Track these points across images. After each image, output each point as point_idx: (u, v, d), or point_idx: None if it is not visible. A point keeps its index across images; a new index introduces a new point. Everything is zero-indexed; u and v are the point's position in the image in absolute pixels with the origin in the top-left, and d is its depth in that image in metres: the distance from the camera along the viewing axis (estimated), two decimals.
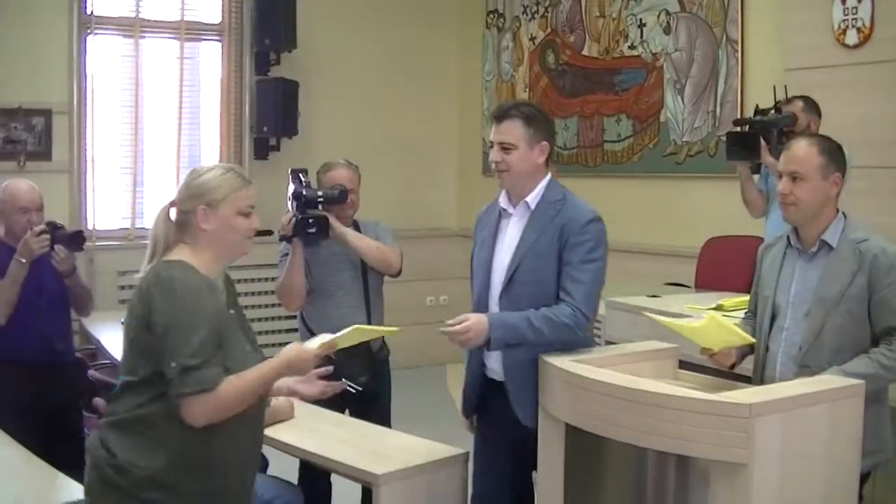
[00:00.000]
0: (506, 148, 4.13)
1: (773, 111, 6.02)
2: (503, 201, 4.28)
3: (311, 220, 5.05)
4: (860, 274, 3.79)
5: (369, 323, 5.25)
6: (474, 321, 3.96)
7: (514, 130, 4.12)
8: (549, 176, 4.25)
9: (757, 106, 6.16)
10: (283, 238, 5.13)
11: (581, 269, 4.03)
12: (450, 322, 3.96)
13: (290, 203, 5.14)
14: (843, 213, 3.95)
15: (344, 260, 5.28)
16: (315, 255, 5.21)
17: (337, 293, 5.26)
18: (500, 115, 4.18)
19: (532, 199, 4.18)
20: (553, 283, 4.06)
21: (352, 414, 5.15)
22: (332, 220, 5.12)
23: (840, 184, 3.91)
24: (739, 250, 6.96)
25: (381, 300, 5.42)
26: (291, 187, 5.19)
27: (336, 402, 5.09)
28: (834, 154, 3.92)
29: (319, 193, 5.14)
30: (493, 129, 4.19)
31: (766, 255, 4.14)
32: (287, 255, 5.22)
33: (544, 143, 4.19)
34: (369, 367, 5.21)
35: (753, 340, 4.07)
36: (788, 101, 6.10)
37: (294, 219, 5.04)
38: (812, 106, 6.08)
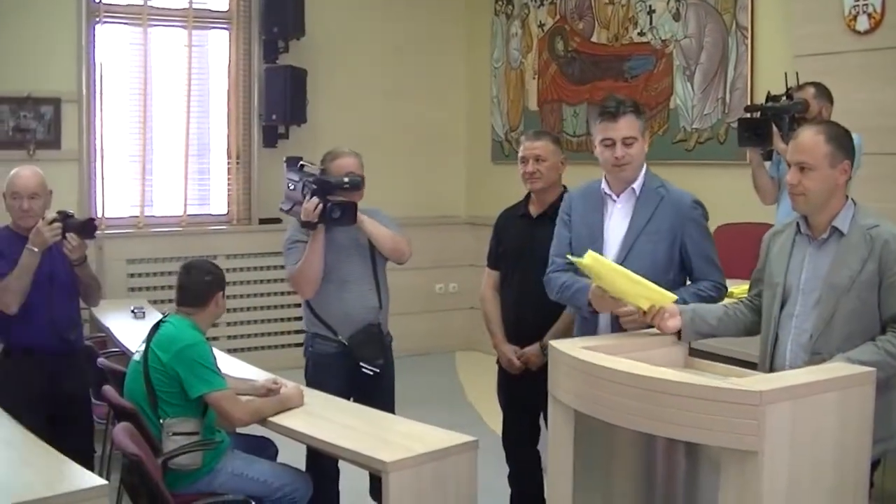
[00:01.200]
0: (628, 142, 4.35)
1: (784, 97, 5.99)
2: (605, 187, 4.52)
3: (338, 206, 5.09)
4: (870, 260, 3.76)
5: (380, 307, 5.33)
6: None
7: (632, 124, 4.40)
8: (646, 164, 4.53)
9: (769, 92, 6.14)
10: (305, 224, 5.13)
11: (706, 247, 4.46)
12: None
13: (301, 190, 5.15)
14: (852, 199, 3.92)
15: (355, 246, 5.31)
16: (329, 242, 5.22)
17: (349, 279, 5.30)
18: (614, 113, 4.37)
19: (637, 185, 4.47)
20: (665, 265, 4.37)
21: (357, 398, 5.19)
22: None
23: (849, 171, 3.87)
24: (750, 238, 6.89)
25: (387, 285, 5.46)
26: (295, 176, 5.23)
27: (344, 387, 5.14)
28: (842, 141, 3.86)
29: (345, 180, 5.16)
30: (607, 127, 4.39)
31: (774, 242, 4.11)
32: (297, 241, 5.26)
33: (647, 132, 4.55)
34: (382, 351, 5.27)
35: (665, 292, 4.09)
36: (800, 87, 6.08)
37: (322, 205, 5.05)
38: (824, 92, 6.04)
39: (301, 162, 5.31)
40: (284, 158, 5.40)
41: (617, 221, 4.47)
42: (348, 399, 5.19)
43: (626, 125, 4.35)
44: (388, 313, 5.47)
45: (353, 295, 5.28)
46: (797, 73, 6.16)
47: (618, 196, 4.48)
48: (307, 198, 5.09)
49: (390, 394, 5.45)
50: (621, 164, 4.38)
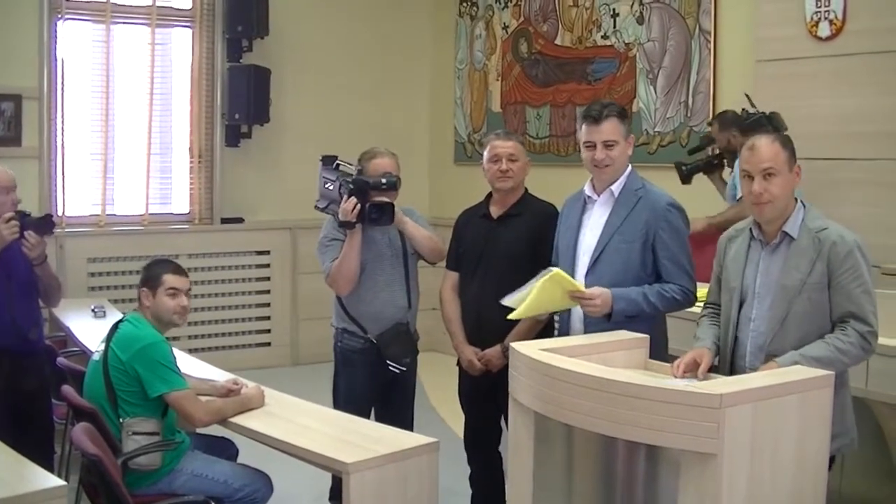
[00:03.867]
0: (609, 145, 4.45)
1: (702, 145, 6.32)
2: (588, 189, 4.61)
3: (376, 207, 5.13)
4: (819, 261, 3.85)
5: (409, 307, 5.40)
6: (601, 292, 4.27)
7: (615, 128, 4.48)
8: (630, 167, 4.61)
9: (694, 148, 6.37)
10: (343, 224, 5.14)
11: (676, 251, 4.45)
12: (580, 289, 4.27)
13: (338, 190, 5.19)
14: (802, 202, 3.98)
15: (388, 246, 5.36)
16: (364, 242, 5.26)
17: (380, 278, 5.34)
18: (597, 117, 4.46)
19: (616, 186, 4.53)
20: (638, 265, 4.43)
21: (380, 392, 5.38)
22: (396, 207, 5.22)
23: (800, 174, 3.98)
24: (710, 241, 6.95)
25: (417, 285, 5.50)
26: (331, 175, 5.27)
27: (369, 381, 5.37)
28: (791, 146, 3.99)
29: (383, 181, 5.19)
30: (589, 130, 4.49)
31: (730, 247, 4.18)
32: (334, 239, 5.30)
33: (632, 135, 4.64)
34: (410, 349, 5.37)
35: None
36: (710, 124, 6.37)
37: (361, 205, 5.08)
38: (727, 121, 6.30)
39: (337, 161, 5.34)
40: (320, 157, 5.42)
41: (594, 222, 4.54)
42: (372, 394, 5.37)
43: (609, 129, 4.44)
44: (417, 312, 5.53)
45: (384, 294, 5.33)
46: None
47: (597, 197, 4.55)
48: (345, 198, 5.11)
49: (412, 389, 5.57)
50: (601, 165, 4.47)
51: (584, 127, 4.52)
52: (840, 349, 3.77)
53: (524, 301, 4.23)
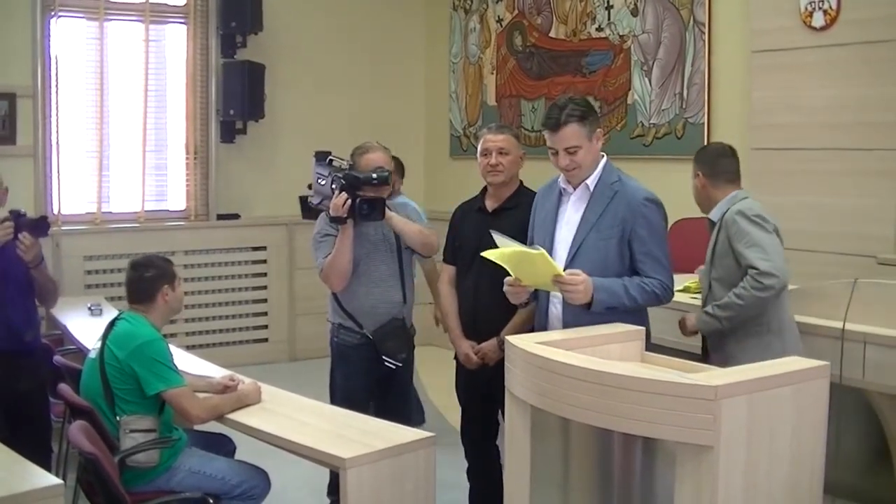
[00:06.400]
0: (571, 151, 4.38)
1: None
2: (563, 182, 4.53)
3: (367, 202, 5.12)
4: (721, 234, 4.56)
5: (404, 302, 5.40)
6: (584, 279, 4.18)
7: (575, 133, 4.40)
8: (605, 158, 4.56)
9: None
10: (334, 220, 5.15)
11: (653, 246, 4.39)
12: (564, 274, 4.16)
13: (330, 185, 5.18)
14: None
15: (382, 241, 5.36)
16: (357, 237, 5.25)
17: (374, 273, 5.33)
18: (554, 125, 4.39)
19: (591, 180, 4.49)
20: (616, 261, 4.38)
21: (377, 387, 5.39)
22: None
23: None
24: (707, 232, 6.95)
25: (412, 280, 5.51)
26: (324, 170, 5.26)
27: (365, 376, 5.37)
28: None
29: (374, 176, 5.17)
30: (549, 137, 4.43)
31: None
32: (327, 235, 5.30)
33: (599, 130, 4.52)
34: (406, 344, 5.39)
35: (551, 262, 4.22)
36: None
37: (351, 200, 5.08)
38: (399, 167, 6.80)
39: (330, 156, 5.34)
40: (314, 153, 5.40)
41: (570, 216, 4.50)
42: (369, 388, 5.38)
43: (569, 134, 4.37)
44: (413, 306, 5.54)
45: (378, 290, 5.33)
46: None
47: (573, 190, 4.50)
48: (336, 193, 5.11)
49: (409, 383, 5.62)
50: (568, 170, 4.43)
51: (544, 131, 4.46)
52: (737, 294, 4.38)
53: (504, 249, 4.20)
